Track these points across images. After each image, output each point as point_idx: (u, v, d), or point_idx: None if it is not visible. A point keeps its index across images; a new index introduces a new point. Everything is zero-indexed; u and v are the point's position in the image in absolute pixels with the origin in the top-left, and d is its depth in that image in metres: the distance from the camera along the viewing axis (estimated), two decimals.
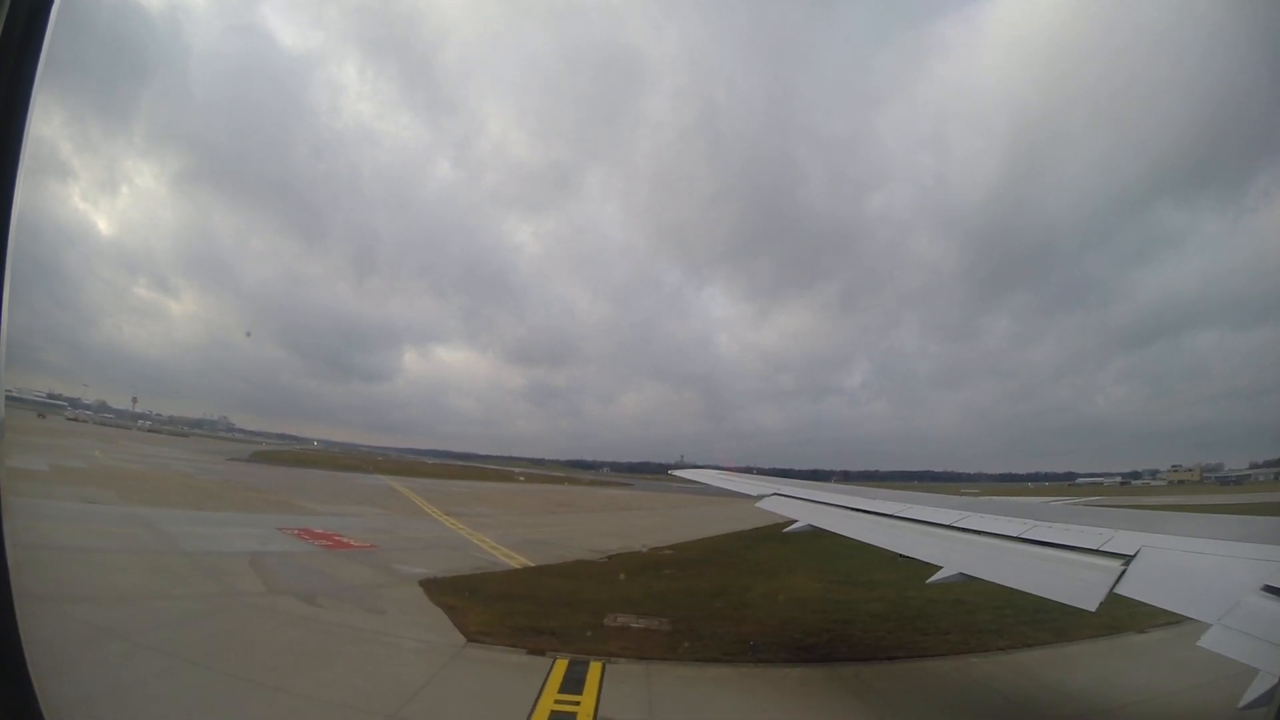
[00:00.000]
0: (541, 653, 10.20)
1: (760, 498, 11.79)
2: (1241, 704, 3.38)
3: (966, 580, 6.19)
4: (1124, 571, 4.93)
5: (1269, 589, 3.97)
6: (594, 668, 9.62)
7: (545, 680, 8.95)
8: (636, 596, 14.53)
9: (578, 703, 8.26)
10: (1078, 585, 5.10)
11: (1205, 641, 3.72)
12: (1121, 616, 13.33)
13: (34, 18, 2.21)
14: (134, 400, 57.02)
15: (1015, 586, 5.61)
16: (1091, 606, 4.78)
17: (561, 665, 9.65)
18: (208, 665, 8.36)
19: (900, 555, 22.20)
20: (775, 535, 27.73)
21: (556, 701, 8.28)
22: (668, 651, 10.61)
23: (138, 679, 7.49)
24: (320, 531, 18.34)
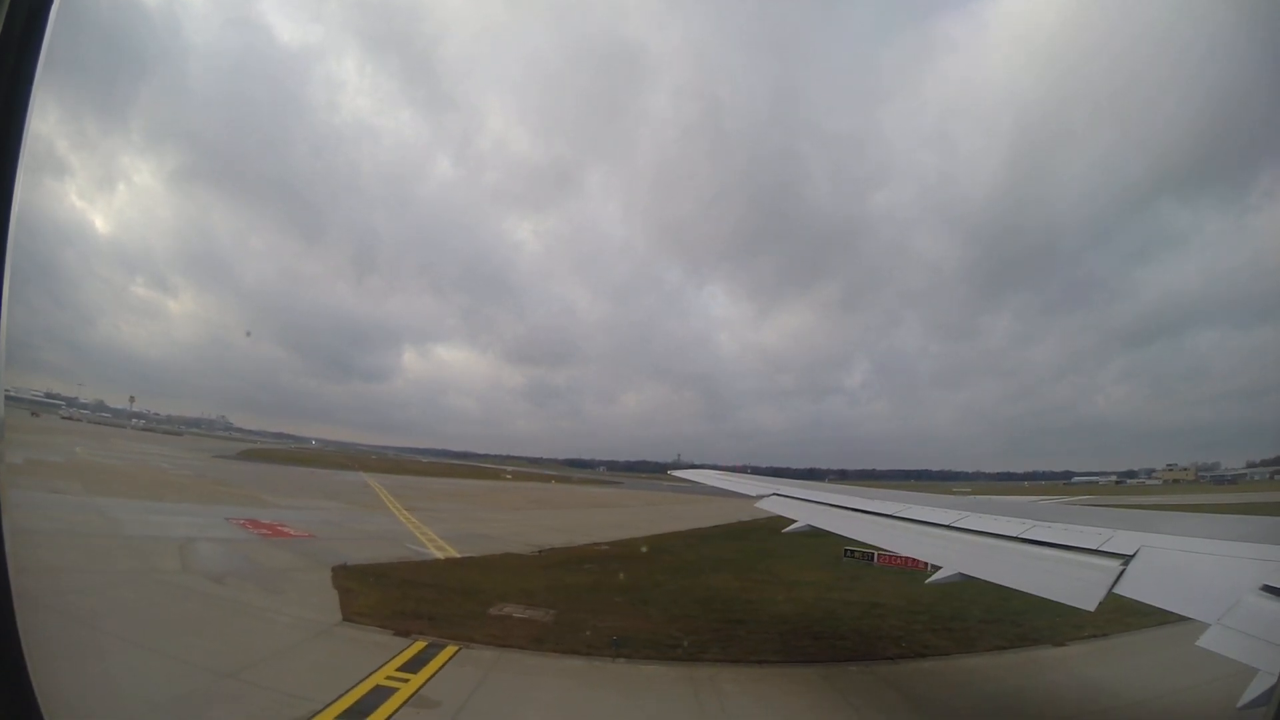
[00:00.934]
0: (407, 634, 11.11)
1: (759, 498, 12.06)
2: (1241, 703, 3.43)
3: (965, 580, 6.36)
4: (1123, 571, 5.03)
5: (1268, 589, 4.04)
6: (447, 651, 10.40)
7: (392, 658, 9.83)
8: (538, 589, 15.31)
9: (407, 680, 9.12)
10: (1076, 585, 5.19)
11: (1204, 641, 3.78)
12: (1040, 627, 12.99)
13: (34, 16, 2.25)
14: (131, 399, 60.38)
15: (1014, 586, 5.74)
16: (1090, 606, 4.87)
17: (419, 646, 10.51)
18: (86, 623, 9.54)
19: (846, 554, 21.94)
20: (735, 533, 28.33)
21: (388, 677, 9.11)
22: (529, 642, 11.24)
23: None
24: (266, 522, 19.84)
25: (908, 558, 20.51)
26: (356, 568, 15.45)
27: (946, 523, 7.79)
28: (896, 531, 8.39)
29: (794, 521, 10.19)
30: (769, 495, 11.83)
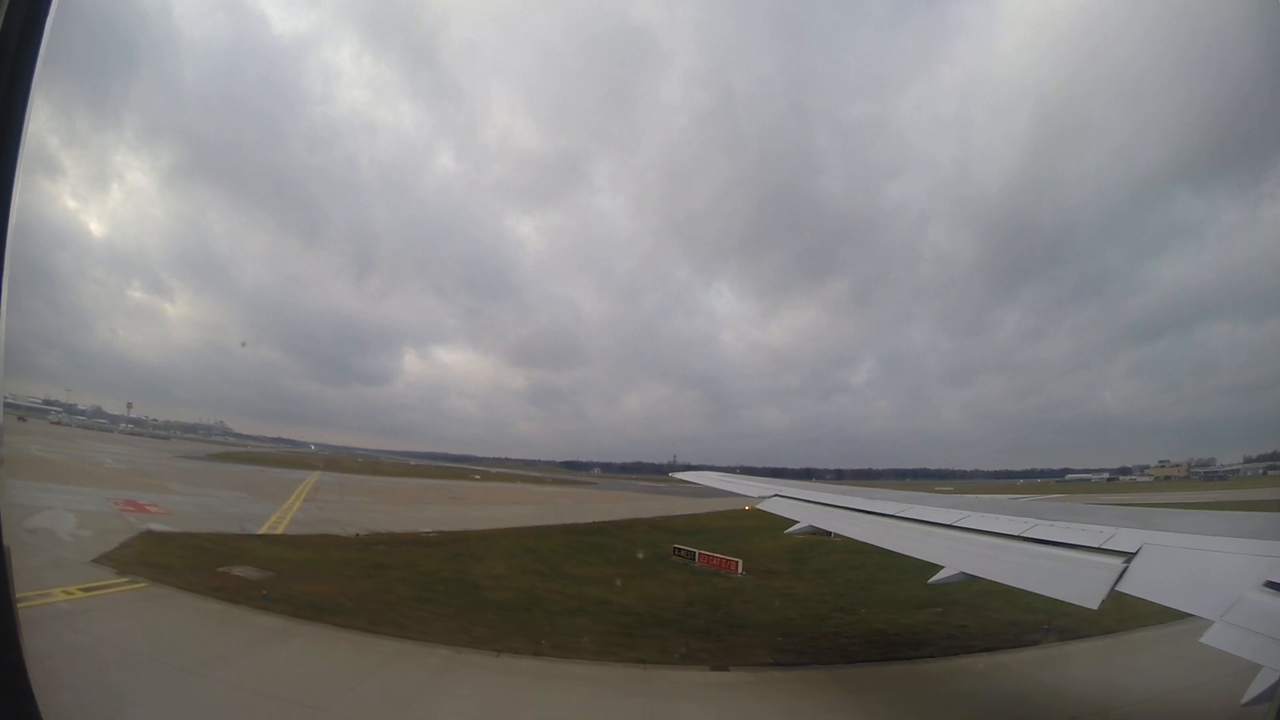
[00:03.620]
0: (125, 574, 16.10)
1: (761, 499, 13.68)
2: (1244, 700, 3.81)
3: (968, 580, 7.13)
4: (1125, 569, 5.58)
5: (1270, 585, 4.44)
6: (136, 586, 15.29)
7: (87, 583, 14.72)
8: (298, 560, 20.09)
9: (73, 596, 13.92)
10: (1079, 583, 5.70)
11: (1207, 638, 4.19)
12: (742, 644, 14.14)
13: (32, 16, 2.55)
14: (129, 406, 69.34)
15: (1017, 585, 6.38)
16: (1093, 605, 5.36)
17: (119, 581, 15.46)
18: None
19: (674, 552, 24.98)
20: (601, 530, 31.47)
21: (64, 592, 14.03)
22: (208, 590, 15.72)
23: None
24: (140, 503, 26.34)
25: (724, 559, 22.37)
26: (159, 534, 21.03)
27: (949, 522, 8.66)
28: (900, 531, 9.30)
29: (796, 522, 11.61)
30: (771, 496, 13.50)
